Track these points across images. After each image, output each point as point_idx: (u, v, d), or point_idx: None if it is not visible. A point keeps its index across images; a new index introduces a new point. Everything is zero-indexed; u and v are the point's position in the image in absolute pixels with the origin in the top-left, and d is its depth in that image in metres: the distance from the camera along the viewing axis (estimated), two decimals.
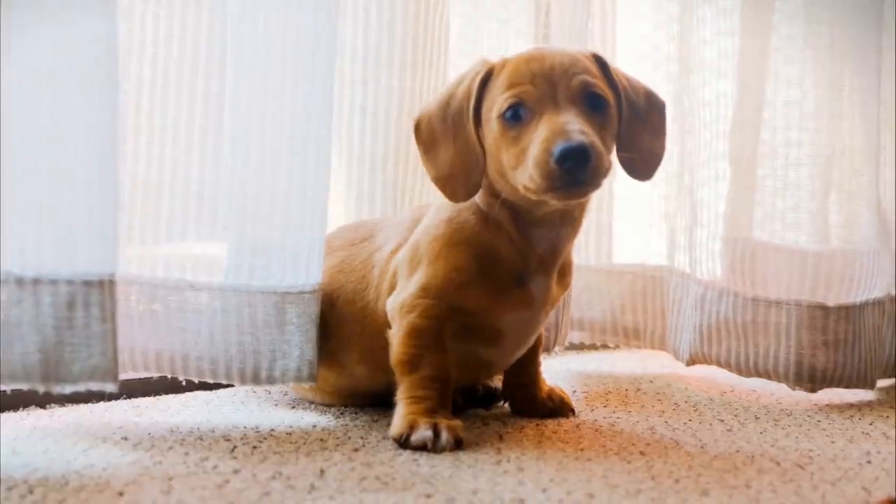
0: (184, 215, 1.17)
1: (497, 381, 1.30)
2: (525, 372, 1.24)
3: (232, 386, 1.30)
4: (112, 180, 1.01)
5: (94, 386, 0.99)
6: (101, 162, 1.00)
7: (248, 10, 1.14)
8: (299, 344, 1.15)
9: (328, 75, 1.16)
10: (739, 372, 1.43)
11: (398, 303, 1.12)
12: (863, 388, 1.42)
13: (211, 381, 1.17)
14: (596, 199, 1.57)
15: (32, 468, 0.94)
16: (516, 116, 1.05)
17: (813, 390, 1.40)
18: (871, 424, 1.25)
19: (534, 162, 1.01)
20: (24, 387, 0.98)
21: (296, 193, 1.15)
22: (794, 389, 1.42)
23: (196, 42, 1.17)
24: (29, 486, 0.88)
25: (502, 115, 1.06)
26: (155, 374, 1.17)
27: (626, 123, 1.11)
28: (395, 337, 1.11)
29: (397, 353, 1.11)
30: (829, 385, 1.40)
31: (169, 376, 1.17)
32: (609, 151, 1.07)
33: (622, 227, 1.64)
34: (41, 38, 0.97)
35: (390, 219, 1.27)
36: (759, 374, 1.42)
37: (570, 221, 1.13)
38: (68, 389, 0.98)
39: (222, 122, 1.16)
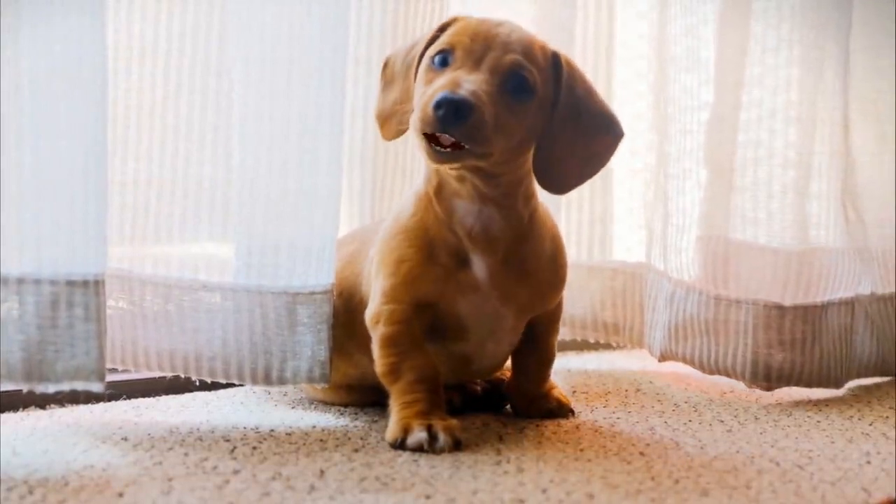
0: (196, 214, 1.18)
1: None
2: (530, 375, 1.23)
3: (233, 386, 1.30)
4: (99, 181, 1.01)
5: (80, 385, 0.99)
6: (87, 162, 1.00)
7: (255, 7, 1.14)
8: (310, 345, 1.16)
9: (338, 73, 1.16)
10: (703, 369, 1.44)
11: (369, 315, 1.13)
12: (826, 387, 1.43)
13: (224, 381, 1.18)
14: (578, 197, 1.59)
15: (32, 468, 0.94)
16: (443, 62, 1.06)
17: (769, 389, 1.41)
18: (870, 425, 1.25)
19: (420, 104, 1.02)
20: (8, 386, 0.99)
21: (307, 192, 1.15)
22: (750, 388, 1.42)
23: (208, 39, 1.17)
24: (29, 487, 0.88)
25: (432, 57, 1.07)
26: (169, 374, 1.18)
27: (556, 126, 1.09)
28: (374, 349, 1.12)
29: (378, 365, 1.11)
30: (787, 384, 1.41)
31: (172, 375, 1.18)
32: (510, 137, 1.05)
33: (609, 225, 1.64)
34: (24, 36, 0.97)
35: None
36: (719, 372, 1.43)
37: (492, 201, 1.10)
38: (52, 389, 0.99)
39: (233, 119, 1.17)
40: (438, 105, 0.99)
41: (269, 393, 1.32)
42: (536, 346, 1.22)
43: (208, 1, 1.17)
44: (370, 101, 1.34)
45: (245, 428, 1.13)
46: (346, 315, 1.19)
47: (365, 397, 1.25)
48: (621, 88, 1.60)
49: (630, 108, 1.59)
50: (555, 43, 1.17)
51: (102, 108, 1.01)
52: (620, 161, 1.61)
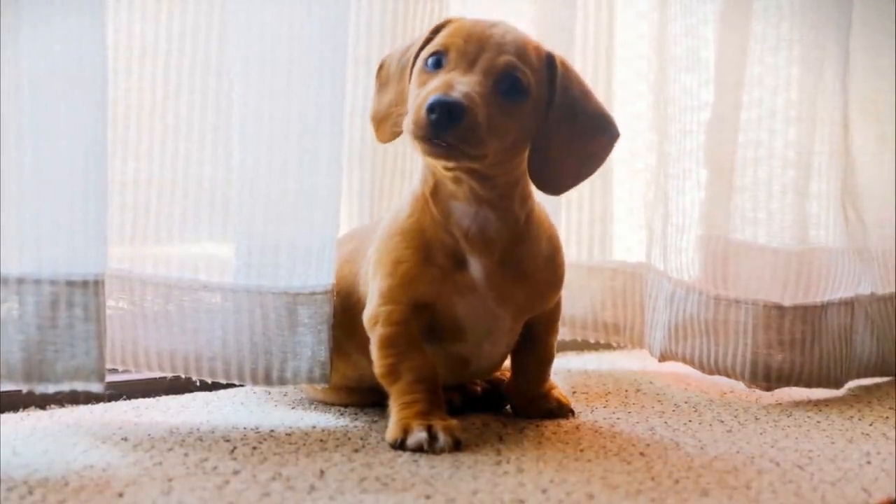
0: (196, 214, 1.18)
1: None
2: (530, 375, 1.23)
3: (233, 386, 1.30)
4: (99, 181, 1.01)
5: (80, 386, 0.99)
6: (87, 162, 1.00)
7: (255, 7, 1.14)
8: (311, 345, 1.16)
9: (338, 73, 1.16)
10: (702, 369, 1.45)
11: (367, 316, 1.13)
12: (826, 387, 1.43)
13: (224, 381, 1.18)
14: (578, 197, 1.59)
15: (32, 469, 0.94)
16: (437, 64, 1.06)
17: (769, 389, 1.42)
18: (870, 425, 1.25)
19: (413, 107, 1.02)
20: (8, 386, 0.99)
21: (307, 192, 1.15)
22: (750, 388, 1.43)
23: (208, 39, 1.18)
24: (29, 487, 0.88)
25: (425, 59, 1.07)
26: (169, 374, 1.19)
27: (551, 127, 1.09)
28: (373, 350, 1.12)
29: (377, 366, 1.11)
30: (787, 384, 1.41)
31: (172, 376, 1.18)
32: (504, 138, 1.05)
33: (609, 225, 1.64)
34: (24, 36, 0.97)
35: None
36: (719, 372, 1.43)
37: (488, 202, 1.10)
38: (52, 389, 0.99)
39: (233, 119, 1.17)
40: (431, 108, 0.99)
41: (269, 393, 1.32)
42: (535, 346, 1.22)
43: (208, 1, 1.18)
44: (370, 101, 1.34)
45: (245, 428, 1.13)
46: (343, 314, 1.19)
47: (365, 398, 1.24)
48: (621, 88, 1.60)
49: (630, 108, 1.60)
50: (555, 43, 1.18)
51: (102, 108, 1.02)
52: (620, 161, 1.61)
